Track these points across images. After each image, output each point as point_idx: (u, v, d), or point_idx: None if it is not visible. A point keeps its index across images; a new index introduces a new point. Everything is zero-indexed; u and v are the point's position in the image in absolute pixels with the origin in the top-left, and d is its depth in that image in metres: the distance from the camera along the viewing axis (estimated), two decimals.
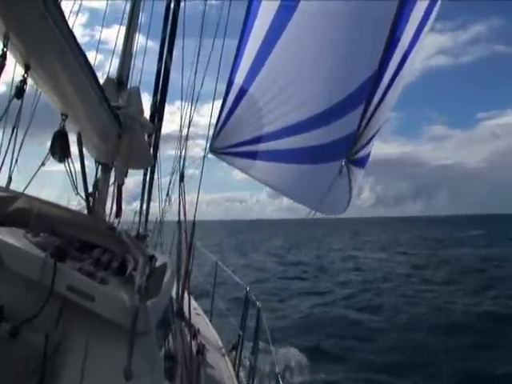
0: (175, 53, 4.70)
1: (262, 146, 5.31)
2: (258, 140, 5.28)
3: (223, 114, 5.34)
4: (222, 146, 5.38)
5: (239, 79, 5.18)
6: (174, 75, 4.82)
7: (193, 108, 4.77)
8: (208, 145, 5.35)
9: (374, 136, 5.50)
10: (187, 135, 4.59)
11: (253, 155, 5.39)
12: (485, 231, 61.35)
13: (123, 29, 4.08)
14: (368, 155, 5.82)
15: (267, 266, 27.67)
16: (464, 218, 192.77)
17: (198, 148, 5.29)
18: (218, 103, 5.42)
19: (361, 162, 5.61)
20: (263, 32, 4.95)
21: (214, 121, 5.36)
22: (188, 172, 4.70)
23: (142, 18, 4.38)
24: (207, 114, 5.20)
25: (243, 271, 21.62)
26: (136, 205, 5.19)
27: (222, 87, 5.40)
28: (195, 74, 4.72)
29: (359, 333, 11.53)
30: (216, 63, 4.90)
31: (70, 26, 2.16)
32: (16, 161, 3.20)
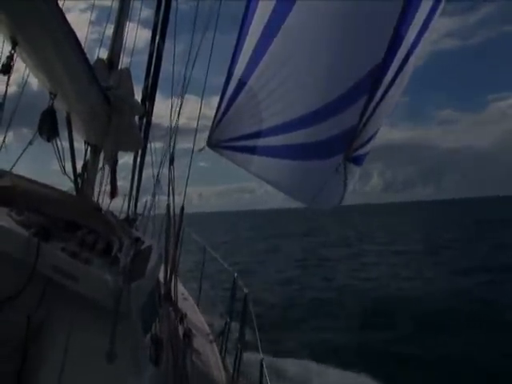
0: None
1: (261, 141, 5.17)
2: (257, 135, 5.15)
3: (222, 107, 5.17)
4: (220, 140, 5.25)
5: (238, 71, 5.04)
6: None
7: (178, 102, 4.88)
8: (206, 138, 5.30)
9: (374, 135, 5.41)
10: (173, 127, 4.70)
11: (251, 150, 5.25)
12: None
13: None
14: (366, 154, 5.72)
15: None
16: (483, 200, 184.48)
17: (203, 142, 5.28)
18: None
19: (358, 160, 5.48)
20: (263, 23, 4.81)
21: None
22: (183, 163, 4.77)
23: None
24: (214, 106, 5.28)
25: None
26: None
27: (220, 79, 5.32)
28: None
29: None
30: (214, 56, 4.98)
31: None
32: (3, 140, 3.15)
